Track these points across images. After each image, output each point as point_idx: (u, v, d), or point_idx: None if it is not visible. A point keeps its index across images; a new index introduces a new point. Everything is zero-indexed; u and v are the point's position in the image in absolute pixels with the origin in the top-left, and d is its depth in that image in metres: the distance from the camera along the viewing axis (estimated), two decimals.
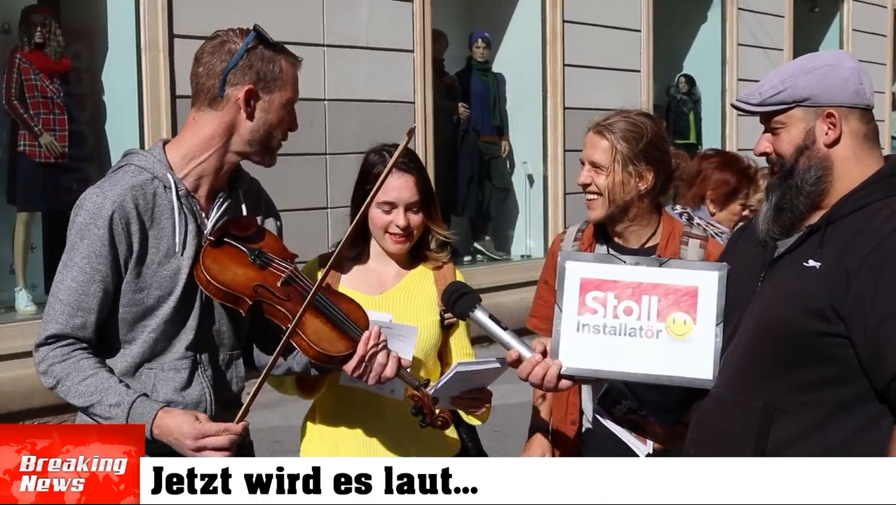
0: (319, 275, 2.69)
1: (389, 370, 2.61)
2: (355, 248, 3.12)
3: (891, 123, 17.08)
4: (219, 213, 2.64)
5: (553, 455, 3.19)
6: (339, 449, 3.06)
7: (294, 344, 2.57)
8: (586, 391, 3.14)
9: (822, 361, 2.27)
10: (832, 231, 2.31)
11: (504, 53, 11.27)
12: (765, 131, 2.45)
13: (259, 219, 2.72)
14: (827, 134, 2.34)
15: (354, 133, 8.95)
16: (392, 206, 3.02)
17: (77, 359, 2.51)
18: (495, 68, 11.10)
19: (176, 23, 7.86)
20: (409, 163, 3.10)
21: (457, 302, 2.74)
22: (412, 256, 3.17)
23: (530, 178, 11.27)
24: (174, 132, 7.87)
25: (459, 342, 3.17)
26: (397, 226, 3.03)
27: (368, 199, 2.75)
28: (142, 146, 7.83)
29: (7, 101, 7.62)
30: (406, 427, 2.95)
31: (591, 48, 11.32)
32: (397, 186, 3.02)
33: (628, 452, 2.88)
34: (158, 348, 2.60)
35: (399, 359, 2.64)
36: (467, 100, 10.69)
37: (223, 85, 2.54)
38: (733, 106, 2.55)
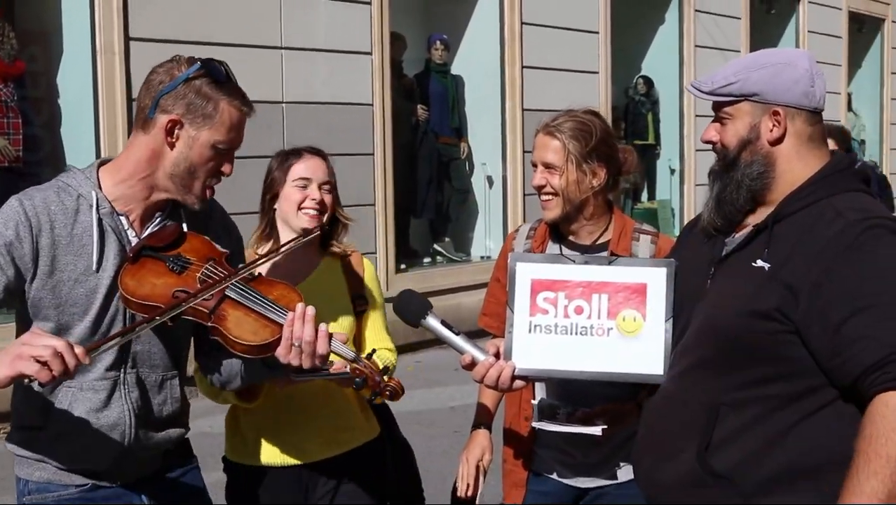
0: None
1: (321, 346, 2.49)
2: (266, 244, 3.27)
3: (847, 124, 17.28)
4: (149, 233, 2.59)
5: (492, 453, 3.19)
6: (260, 450, 3.22)
7: (222, 342, 2.48)
8: (539, 387, 3.16)
9: (770, 360, 2.29)
10: (779, 230, 2.33)
11: (462, 55, 11.30)
12: (714, 119, 2.47)
13: (184, 225, 2.62)
14: (771, 131, 2.37)
15: (313, 136, 8.89)
16: (307, 181, 3.20)
17: None
18: (454, 70, 11.13)
19: (132, 26, 7.80)
20: (318, 150, 3.31)
21: (408, 310, 2.74)
22: (321, 248, 3.32)
23: (489, 180, 11.30)
24: (129, 136, 7.80)
25: (374, 329, 3.36)
26: (312, 199, 3.19)
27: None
28: (97, 150, 7.79)
29: None
30: (328, 423, 3.19)
31: (550, 50, 11.37)
32: (312, 166, 3.23)
33: (582, 438, 2.91)
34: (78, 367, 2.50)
35: (329, 334, 2.53)
36: (426, 102, 10.70)
37: (154, 107, 2.49)
38: (688, 89, 2.56)
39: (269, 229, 3.31)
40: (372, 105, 9.58)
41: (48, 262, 2.47)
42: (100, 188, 2.54)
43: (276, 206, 3.27)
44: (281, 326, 2.46)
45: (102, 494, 2.61)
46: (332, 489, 3.27)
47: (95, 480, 2.60)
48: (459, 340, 2.67)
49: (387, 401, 2.84)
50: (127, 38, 7.77)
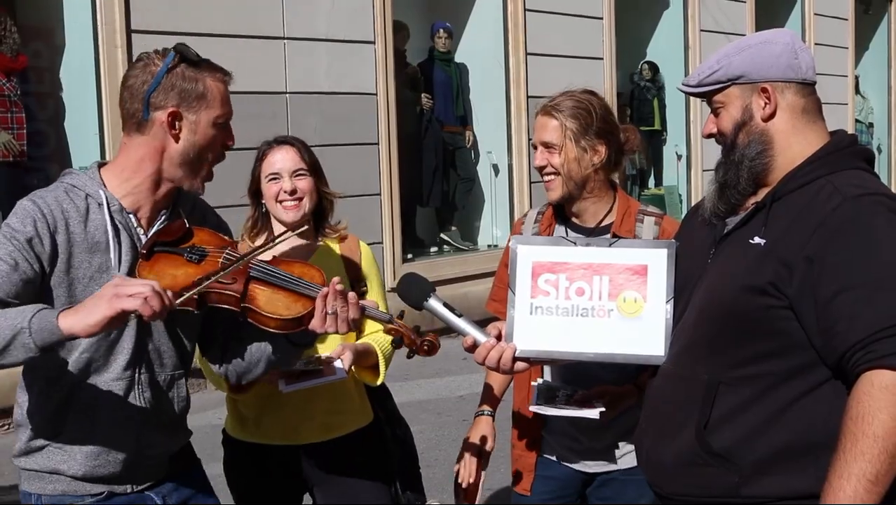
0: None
1: (353, 312, 2.56)
2: (260, 236, 3.33)
3: (855, 106, 17.22)
4: (157, 229, 2.60)
5: (495, 439, 3.20)
6: (257, 429, 3.31)
7: (255, 322, 2.53)
8: (547, 372, 3.16)
9: (766, 336, 2.29)
10: (777, 208, 2.32)
11: (466, 43, 11.27)
12: (711, 113, 2.49)
13: (186, 221, 2.64)
14: (763, 109, 2.37)
15: (317, 126, 8.92)
16: (278, 175, 3.25)
17: None
18: (458, 58, 11.10)
19: (133, 19, 7.79)
20: (289, 138, 3.35)
21: (410, 293, 2.74)
22: (315, 232, 3.37)
23: (495, 168, 11.28)
24: None
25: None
26: (285, 191, 3.24)
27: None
28: (101, 143, 7.80)
29: None
30: (322, 406, 3.26)
31: (554, 37, 11.33)
32: (280, 158, 3.27)
33: (588, 423, 2.93)
34: (94, 367, 2.54)
35: (359, 301, 2.59)
36: (430, 90, 10.68)
37: (147, 108, 2.49)
38: (679, 90, 2.57)
39: (259, 223, 3.36)
40: (376, 94, 9.56)
41: (65, 259, 2.47)
42: (105, 187, 2.55)
43: (262, 201, 3.33)
44: (311, 299, 2.54)
45: (119, 502, 2.61)
46: (328, 473, 3.33)
47: (110, 487, 2.60)
48: (461, 323, 2.68)
49: (424, 357, 2.81)
50: (129, 31, 7.76)
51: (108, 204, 2.52)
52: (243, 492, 3.42)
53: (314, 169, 3.31)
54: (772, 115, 2.37)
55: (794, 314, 2.25)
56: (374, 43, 9.55)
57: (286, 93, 8.83)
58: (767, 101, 2.37)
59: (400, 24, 10.20)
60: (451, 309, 2.69)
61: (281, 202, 3.26)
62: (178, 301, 2.35)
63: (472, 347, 2.66)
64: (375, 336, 3.32)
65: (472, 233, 11.46)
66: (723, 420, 2.33)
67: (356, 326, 2.59)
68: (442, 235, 11.09)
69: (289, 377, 3.11)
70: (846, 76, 16.76)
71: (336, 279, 2.55)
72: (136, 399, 2.58)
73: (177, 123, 2.50)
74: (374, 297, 3.38)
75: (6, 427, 6.86)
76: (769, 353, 2.29)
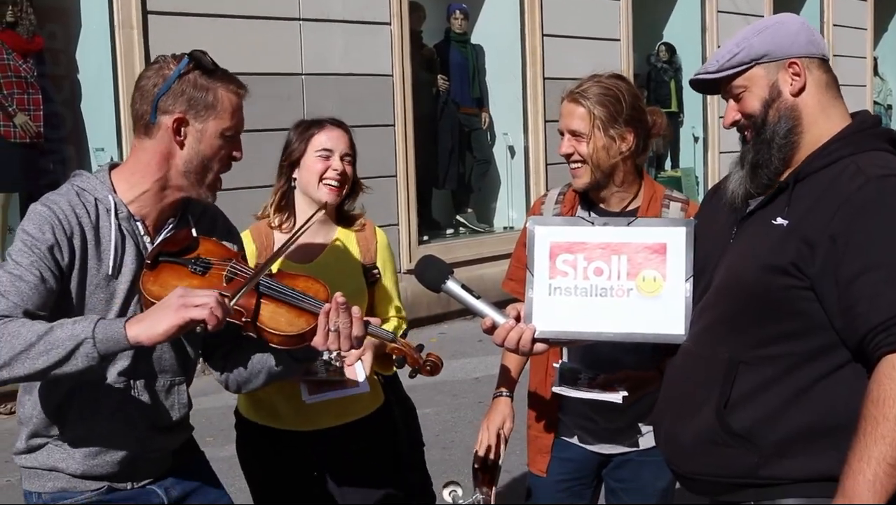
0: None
1: (357, 330, 2.52)
2: (281, 215, 3.31)
3: (873, 88, 17.10)
4: (162, 238, 2.58)
5: (513, 420, 3.17)
6: (271, 412, 3.32)
7: (257, 336, 2.52)
8: (566, 353, 3.15)
9: (787, 316, 2.27)
10: (800, 188, 2.30)
11: (482, 25, 11.23)
12: (728, 100, 2.45)
13: (193, 230, 2.62)
14: (792, 84, 2.36)
15: (333, 108, 8.89)
16: (330, 152, 3.23)
17: (16, 319, 2.30)
18: (473, 40, 11.07)
19: (149, 0, 7.78)
20: (340, 121, 3.33)
21: (428, 274, 2.73)
22: (336, 219, 3.38)
23: (511, 150, 11.26)
24: None
25: (385, 296, 3.42)
26: (335, 170, 3.22)
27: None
28: (117, 125, 7.80)
29: None
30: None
31: (570, 18, 11.28)
32: (334, 137, 3.26)
33: (605, 404, 2.91)
34: (89, 372, 2.47)
35: (365, 319, 2.56)
36: (446, 72, 10.66)
37: (154, 111, 2.47)
38: (692, 84, 2.53)
39: (284, 200, 3.32)
40: (392, 76, 9.53)
41: (78, 266, 2.45)
42: (114, 192, 2.52)
43: (295, 175, 3.27)
44: (314, 315, 2.50)
45: (120, 496, 2.61)
46: (339, 455, 3.34)
47: (110, 482, 2.60)
48: (480, 304, 2.67)
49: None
50: (145, 12, 7.75)
51: (115, 210, 2.50)
52: (256, 473, 3.43)
53: (355, 159, 3.32)
54: (801, 90, 2.36)
55: (815, 295, 2.23)
56: (389, 24, 9.52)
57: (302, 74, 8.82)
58: (796, 76, 2.35)
59: (416, 4, 10.16)
60: (470, 290, 2.68)
61: (324, 181, 3.24)
62: (233, 301, 2.38)
63: (491, 329, 2.65)
64: (389, 325, 3.32)
65: (488, 215, 11.45)
66: (743, 400, 2.31)
67: (359, 344, 2.55)
68: (458, 217, 11.08)
69: (311, 386, 3.13)
70: (864, 58, 16.64)
71: (338, 294, 2.51)
72: (135, 402, 2.57)
73: (182, 130, 2.48)
74: (386, 284, 3.39)
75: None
76: (790, 333, 2.27)
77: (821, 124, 2.36)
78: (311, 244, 3.30)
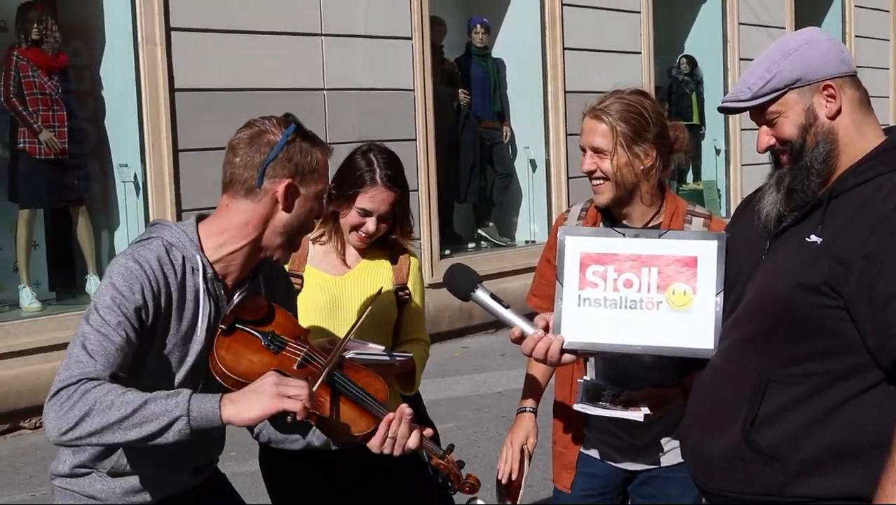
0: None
1: (412, 442, 2.56)
2: (322, 228, 3.35)
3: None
4: (237, 301, 2.57)
5: (537, 436, 3.15)
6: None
7: (317, 426, 2.53)
8: (590, 368, 3.12)
9: (819, 335, 2.25)
10: (835, 206, 2.28)
11: (503, 38, 11.24)
12: (761, 125, 2.41)
13: (266, 300, 2.62)
14: (827, 106, 2.32)
15: (354, 122, 8.93)
16: (368, 214, 3.27)
17: (105, 384, 2.30)
18: (495, 54, 11.08)
19: (172, 16, 7.84)
20: (396, 178, 3.32)
21: (458, 283, 2.72)
22: (384, 245, 3.42)
23: (532, 163, 11.25)
24: (173, 126, 7.86)
25: (412, 320, 3.45)
26: (366, 231, 3.29)
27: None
28: (141, 141, 7.84)
29: (6, 99, 7.64)
30: None
31: (591, 31, 11.28)
32: (378, 199, 3.27)
33: (628, 422, 2.88)
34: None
35: (421, 431, 2.59)
36: (467, 86, 10.67)
37: (262, 177, 2.48)
38: (721, 110, 2.49)
39: (333, 235, 3.39)
40: (413, 90, 9.56)
41: (161, 325, 2.44)
42: (201, 249, 2.51)
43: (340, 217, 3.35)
44: (374, 417, 2.53)
45: None
46: (365, 473, 3.31)
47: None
48: (509, 314, 2.66)
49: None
50: (168, 29, 7.81)
51: (204, 270, 2.49)
52: (279, 489, 3.42)
53: (398, 213, 3.34)
54: (837, 112, 2.32)
55: (848, 314, 2.20)
56: (411, 39, 9.55)
57: (324, 90, 8.85)
58: (831, 98, 2.32)
59: (437, 19, 10.19)
60: (499, 300, 2.68)
61: (356, 231, 3.30)
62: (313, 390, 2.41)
63: (520, 339, 2.64)
64: (410, 347, 3.34)
65: (509, 229, 11.44)
66: (771, 418, 2.29)
67: (409, 453, 2.60)
68: (479, 231, 11.08)
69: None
70: (888, 69, 16.57)
71: (405, 407, 2.53)
72: (184, 452, 2.51)
73: (289, 195, 2.50)
74: (414, 306, 3.44)
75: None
76: (822, 352, 2.25)
77: (857, 143, 2.33)
78: (344, 258, 3.36)
